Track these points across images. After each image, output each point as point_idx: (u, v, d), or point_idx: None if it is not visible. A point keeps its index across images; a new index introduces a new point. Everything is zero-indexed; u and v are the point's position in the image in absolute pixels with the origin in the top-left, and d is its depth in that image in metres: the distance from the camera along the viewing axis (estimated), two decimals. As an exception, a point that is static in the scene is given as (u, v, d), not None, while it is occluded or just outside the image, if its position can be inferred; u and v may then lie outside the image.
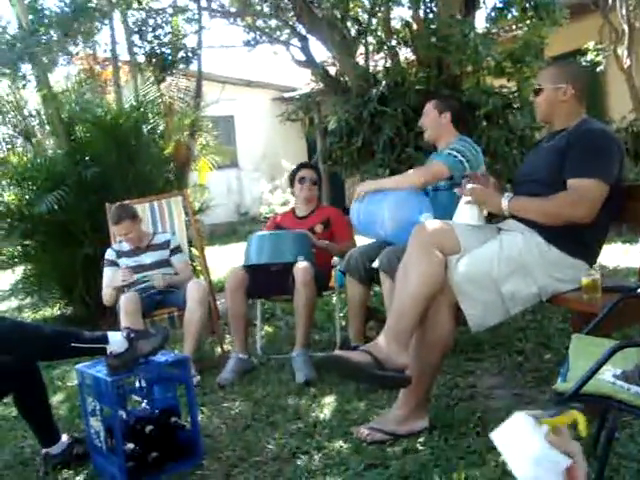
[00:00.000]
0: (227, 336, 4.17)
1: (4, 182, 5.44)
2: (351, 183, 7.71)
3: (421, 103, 3.70)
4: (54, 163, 5.39)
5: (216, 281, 5.34)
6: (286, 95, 12.80)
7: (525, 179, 2.73)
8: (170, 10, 7.26)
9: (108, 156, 5.21)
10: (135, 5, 6.93)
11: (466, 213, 2.70)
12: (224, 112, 10.86)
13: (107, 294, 3.88)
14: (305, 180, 4.06)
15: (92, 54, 7.57)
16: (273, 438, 2.65)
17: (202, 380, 3.50)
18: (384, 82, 4.96)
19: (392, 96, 4.83)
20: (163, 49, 7.14)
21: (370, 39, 5.53)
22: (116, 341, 2.47)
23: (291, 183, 4.19)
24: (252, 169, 13.59)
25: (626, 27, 7.14)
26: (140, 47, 7.07)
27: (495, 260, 2.45)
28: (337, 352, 2.73)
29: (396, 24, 5.39)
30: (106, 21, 6.50)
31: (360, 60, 5.50)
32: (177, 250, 4.07)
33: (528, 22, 4.78)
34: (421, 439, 2.45)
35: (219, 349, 4.09)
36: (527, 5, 4.66)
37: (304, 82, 9.84)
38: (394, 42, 5.26)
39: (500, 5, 4.87)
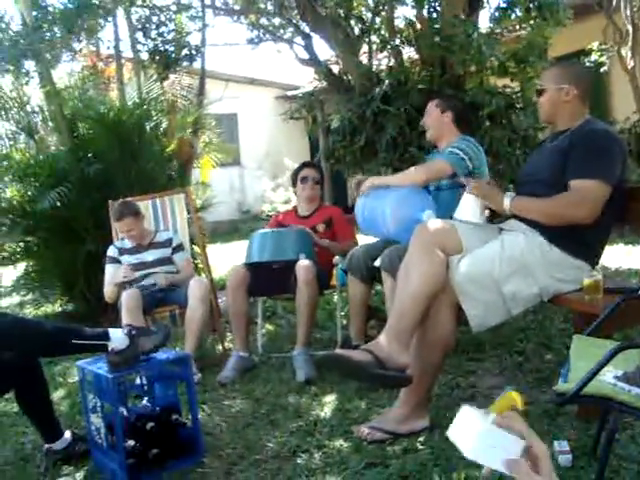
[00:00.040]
0: (228, 334, 4.18)
1: (7, 178, 5.44)
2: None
3: (424, 102, 3.69)
4: (57, 160, 5.39)
5: (218, 279, 5.34)
6: (289, 93, 12.80)
7: (528, 179, 2.73)
8: (174, 7, 7.27)
9: (111, 153, 5.21)
10: (139, 2, 6.93)
11: (468, 208, 2.70)
12: (227, 110, 10.86)
13: (109, 291, 3.89)
14: (307, 179, 4.06)
15: (95, 51, 7.56)
16: (273, 436, 2.65)
17: (203, 378, 3.50)
18: (387, 81, 4.96)
19: (395, 95, 4.83)
20: (166, 46, 7.13)
21: (374, 38, 5.53)
22: (117, 338, 2.48)
23: (293, 182, 4.19)
24: (255, 167, 13.59)
25: (630, 28, 7.12)
26: (143, 44, 7.06)
27: (497, 260, 2.45)
28: (338, 351, 2.72)
29: (400, 23, 5.39)
30: (109, 18, 6.50)
31: (363, 59, 5.50)
32: (179, 248, 4.07)
33: (532, 22, 4.78)
34: (421, 438, 2.46)
35: (220, 347, 4.09)
36: (531, 5, 4.66)
37: (307, 80, 9.83)
38: (397, 41, 5.26)
39: (504, 5, 4.87)
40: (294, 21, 5.98)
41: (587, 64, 7.46)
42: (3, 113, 5.65)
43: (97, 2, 6.09)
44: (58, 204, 4.87)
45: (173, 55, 7.11)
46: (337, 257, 3.74)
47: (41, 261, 5.49)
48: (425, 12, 4.98)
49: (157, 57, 7.02)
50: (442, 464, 2.22)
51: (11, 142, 5.76)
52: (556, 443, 2.20)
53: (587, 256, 2.55)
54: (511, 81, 5.00)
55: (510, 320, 2.90)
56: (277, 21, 6.33)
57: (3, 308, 6.20)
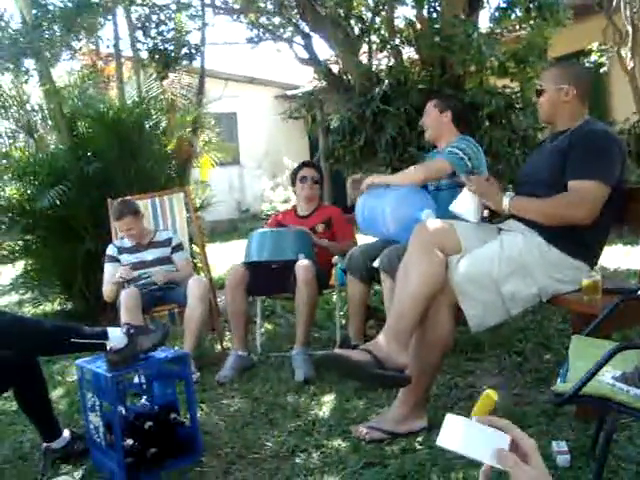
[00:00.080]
0: (227, 333, 4.18)
1: (6, 177, 5.43)
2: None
3: (424, 102, 3.69)
4: (56, 158, 5.39)
5: (217, 278, 5.35)
6: (289, 93, 12.80)
7: (527, 179, 2.74)
8: (173, 6, 7.24)
9: (110, 152, 5.21)
10: (138, 1, 6.92)
11: (464, 203, 2.69)
12: (226, 109, 10.85)
13: (108, 290, 3.88)
14: (307, 179, 4.06)
15: (95, 49, 7.55)
16: (272, 436, 2.65)
17: (202, 377, 3.50)
18: (387, 81, 4.96)
19: (395, 95, 4.83)
20: (166, 45, 7.11)
21: (373, 38, 5.53)
22: (116, 337, 2.47)
23: (292, 182, 4.19)
24: (254, 166, 13.58)
25: (630, 28, 7.12)
26: (143, 43, 7.04)
27: (495, 260, 2.45)
28: (337, 350, 2.73)
29: (400, 23, 5.39)
30: (109, 17, 6.49)
31: (363, 58, 5.50)
32: (178, 248, 4.07)
33: (532, 22, 4.78)
34: (419, 438, 2.46)
35: (219, 346, 4.09)
36: (531, 5, 4.66)
37: (307, 80, 9.82)
38: (397, 41, 5.26)
39: (504, 5, 4.87)
40: (294, 20, 5.97)
41: (587, 65, 7.46)
42: (3, 111, 5.64)
43: (97, 1, 6.07)
44: (57, 203, 4.86)
45: (173, 54, 7.09)
46: (336, 257, 3.74)
47: (40, 260, 5.49)
48: (425, 12, 4.98)
49: (157, 56, 7.00)
50: (440, 464, 2.22)
51: (10, 140, 5.76)
52: (554, 443, 2.20)
53: (586, 256, 2.56)
54: (511, 81, 5.00)
55: (509, 320, 2.90)
56: (277, 20, 6.31)
57: (2, 306, 6.20)
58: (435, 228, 2.52)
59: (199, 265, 5.05)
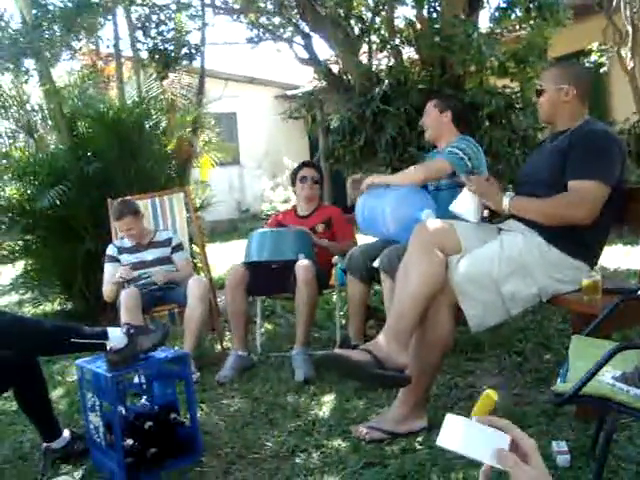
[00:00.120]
0: (227, 333, 4.18)
1: (6, 177, 5.43)
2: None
3: (424, 102, 3.69)
4: (56, 158, 5.39)
5: (217, 278, 5.35)
6: (289, 93, 12.80)
7: (527, 179, 2.73)
8: (173, 6, 7.24)
9: (110, 152, 5.21)
10: (138, 1, 6.92)
11: (464, 203, 2.69)
12: (226, 109, 10.85)
13: (108, 290, 3.88)
14: (306, 179, 4.05)
15: (95, 49, 7.55)
16: (272, 436, 2.65)
17: (202, 377, 3.50)
18: (387, 81, 4.96)
19: (395, 95, 4.83)
20: (166, 45, 7.11)
21: (373, 38, 5.53)
22: (116, 337, 2.47)
23: (292, 182, 4.19)
24: (254, 166, 13.58)
25: (630, 28, 7.12)
26: (143, 43, 7.04)
27: (495, 260, 2.45)
28: (337, 350, 2.73)
29: (400, 23, 5.39)
30: (109, 17, 6.49)
31: (363, 59, 5.49)
32: (178, 248, 4.07)
33: (532, 22, 4.77)
34: (419, 438, 2.46)
35: (219, 346, 4.09)
36: (531, 5, 4.66)
37: (307, 80, 9.82)
38: (397, 41, 5.26)
39: (504, 5, 4.87)
40: (294, 20, 5.97)
41: (587, 65, 7.46)
42: (3, 111, 5.64)
43: (97, 1, 6.07)
44: (57, 203, 4.86)
45: (173, 54, 7.09)
46: (336, 257, 3.74)
47: (40, 260, 5.49)
48: (425, 12, 4.98)
49: (157, 56, 7.00)
50: (440, 464, 2.22)
51: (10, 140, 5.76)
52: (554, 443, 2.20)
53: (586, 256, 2.56)
54: (511, 81, 4.99)
55: (509, 320, 2.90)
56: (277, 20, 6.31)
57: (2, 306, 6.20)
58: (435, 228, 2.52)
59: (199, 265, 5.06)
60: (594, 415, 2.25)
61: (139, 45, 6.96)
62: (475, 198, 2.67)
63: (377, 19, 5.57)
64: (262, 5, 6.24)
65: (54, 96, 5.53)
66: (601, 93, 8.19)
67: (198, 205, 5.98)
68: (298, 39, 5.98)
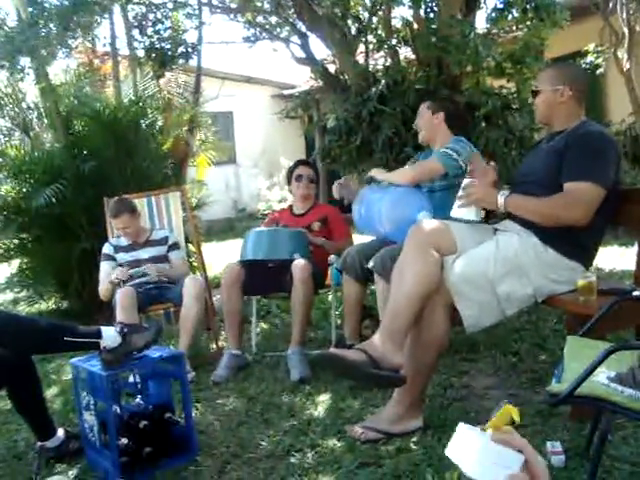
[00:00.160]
0: (223, 332, 4.17)
1: (1, 175, 5.42)
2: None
3: (420, 103, 3.69)
4: (52, 156, 5.38)
5: (212, 277, 5.34)
6: (285, 92, 12.80)
7: (523, 180, 2.74)
8: (170, 5, 7.24)
9: (106, 150, 5.20)
10: (135, -1, 6.92)
11: (464, 210, 2.70)
12: (223, 108, 10.84)
13: (104, 289, 3.87)
14: (302, 178, 4.05)
15: (91, 48, 7.54)
16: (267, 435, 2.65)
17: (197, 376, 3.49)
18: (383, 81, 4.95)
19: (391, 95, 4.83)
20: (163, 44, 7.10)
21: (370, 38, 5.53)
22: (109, 336, 2.47)
23: (288, 180, 4.18)
24: (250, 165, 13.57)
25: (626, 30, 7.14)
26: (140, 42, 7.03)
27: (491, 260, 2.45)
28: (332, 350, 2.72)
29: (397, 23, 5.39)
30: (106, 15, 6.47)
31: (360, 58, 5.49)
32: (175, 247, 4.06)
33: (528, 23, 4.78)
34: (414, 438, 2.46)
35: (214, 345, 4.09)
36: (528, 6, 4.66)
37: (303, 79, 9.83)
38: (394, 41, 5.26)
39: (501, 6, 4.87)
40: (291, 20, 5.97)
41: (583, 66, 7.47)
42: (-2, 110, 5.64)
43: (93, -1, 6.06)
44: (53, 201, 4.85)
45: (169, 53, 7.08)
46: (332, 257, 3.73)
47: (36, 258, 5.47)
48: (422, 12, 4.97)
49: (153, 55, 6.99)
50: (435, 464, 2.22)
51: (6, 138, 5.75)
52: (549, 444, 2.21)
53: (581, 257, 2.56)
54: (507, 82, 5.00)
55: (504, 321, 2.91)
56: (274, 20, 6.31)
57: (-3, 305, 6.19)
58: (431, 228, 2.52)
59: (195, 264, 5.05)
60: (589, 415, 2.26)
61: (136, 43, 6.96)
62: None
63: (374, 19, 5.57)
64: (259, 4, 6.24)
65: (50, 94, 5.52)
66: (597, 94, 8.21)
67: (194, 204, 5.97)
68: (295, 39, 5.99)
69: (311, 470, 2.31)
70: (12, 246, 5.49)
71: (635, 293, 2.26)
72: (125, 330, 2.48)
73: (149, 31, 7.08)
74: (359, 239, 4.00)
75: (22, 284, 5.65)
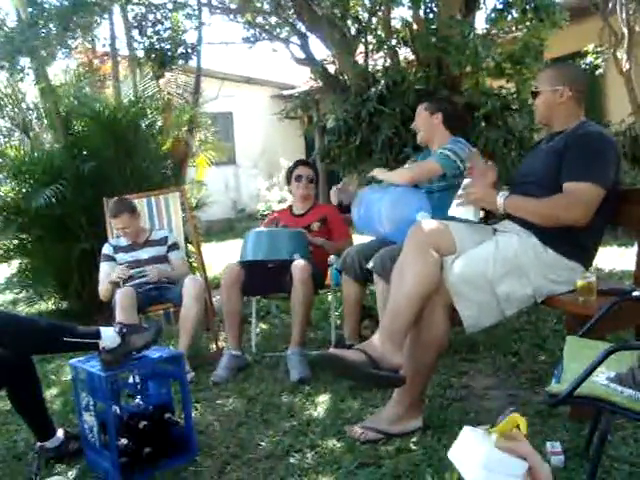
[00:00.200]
0: (222, 333, 4.17)
1: (1, 175, 5.42)
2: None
3: (420, 103, 3.69)
4: (51, 157, 5.37)
5: (212, 278, 5.34)
6: (285, 93, 12.81)
7: (522, 180, 2.74)
8: (170, 5, 7.24)
9: (106, 151, 5.21)
10: (135, 0, 6.91)
11: (463, 209, 2.70)
12: (223, 108, 10.85)
13: (103, 289, 3.88)
14: (302, 178, 4.05)
15: (91, 48, 7.54)
16: (266, 436, 2.65)
17: (196, 377, 3.49)
18: (383, 81, 4.95)
19: (391, 96, 4.83)
20: (162, 44, 7.11)
21: (370, 38, 5.52)
22: (108, 336, 2.47)
23: (288, 181, 4.18)
24: (250, 166, 13.58)
25: (626, 30, 7.15)
26: (139, 42, 7.04)
27: (490, 261, 2.45)
28: (332, 350, 2.72)
29: (396, 24, 5.38)
30: (106, 15, 6.47)
31: (359, 59, 5.49)
32: (174, 247, 4.06)
33: (528, 24, 4.77)
34: (414, 438, 2.46)
35: (214, 346, 4.09)
36: (527, 7, 4.65)
37: (303, 80, 9.83)
38: (394, 41, 5.25)
39: (500, 6, 4.86)
40: (290, 20, 5.97)
41: (583, 66, 7.47)
42: (-2, 110, 5.64)
43: (93, -1, 6.06)
44: (53, 201, 4.85)
45: (169, 53, 7.09)
46: (332, 257, 3.73)
47: (35, 258, 5.47)
48: (421, 13, 4.97)
49: (153, 55, 7.00)
50: (435, 464, 2.22)
51: (6, 139, 5.75)
52: (548, 444, 2.21)
53: (581, 258, 2.56)
54: (507, 82, 5.00)
55: (504, 321, 2.91)
56: (273, 20, 6.31)
57: (-4, 305, 6.19)
58: (430, 229, 2.52)
59: (195, 265, 5.05)
60: (588, 416, 2.26)
61: (135, 44, 6.96)
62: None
63: (373, 19, 5.57)
64: (258, 5, 6.24)
65: (50, 94, 5.52)
66: (597, 95, 8.21)
67: (194, 204, 5.97)
68: (294, 39, 5.98)
69: (311, 470, 2.31)
70: (12, 246, 5.49)
71: (635, 293, 2.26)
72: (124, 330, 2.48)
73: (149, 31, 7.09)
74: (359, 239, 4.00)
75: (22, 284, 5.65)
